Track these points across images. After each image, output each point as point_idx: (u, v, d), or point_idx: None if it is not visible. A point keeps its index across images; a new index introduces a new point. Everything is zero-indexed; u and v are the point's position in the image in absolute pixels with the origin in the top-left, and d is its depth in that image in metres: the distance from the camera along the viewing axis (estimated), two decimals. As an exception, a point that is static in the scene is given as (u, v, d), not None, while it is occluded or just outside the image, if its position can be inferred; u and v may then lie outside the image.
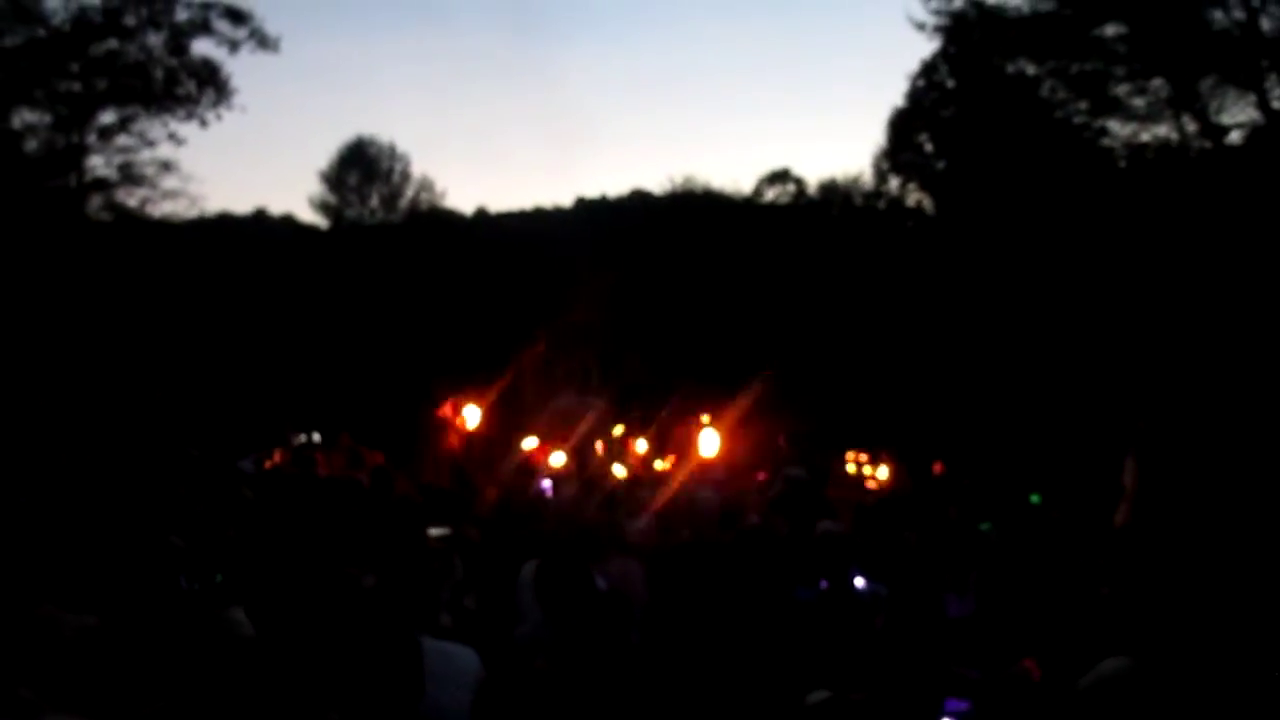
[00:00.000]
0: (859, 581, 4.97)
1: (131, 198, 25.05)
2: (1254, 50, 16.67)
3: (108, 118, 23.98)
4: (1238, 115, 17.84)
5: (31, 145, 23.52)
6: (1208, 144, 17.92)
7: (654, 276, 28.01)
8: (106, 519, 5.71)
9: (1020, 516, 8.99)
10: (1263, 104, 17.32)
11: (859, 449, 19.77)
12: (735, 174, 64.11)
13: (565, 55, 77.13)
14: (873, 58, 79.70)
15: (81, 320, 21.57)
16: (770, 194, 35.56)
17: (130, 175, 24.66)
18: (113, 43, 23.20)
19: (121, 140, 24.24)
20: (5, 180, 22.10)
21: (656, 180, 43.88)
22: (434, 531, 5.32)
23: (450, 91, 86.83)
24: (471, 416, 13.68)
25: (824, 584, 4.85)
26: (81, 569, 4.37)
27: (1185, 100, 17.80)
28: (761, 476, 11.93)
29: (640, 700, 3.52)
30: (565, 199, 41.25)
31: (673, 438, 15.08)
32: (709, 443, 11.58)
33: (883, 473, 16.21)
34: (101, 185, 24.62)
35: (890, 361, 25.00)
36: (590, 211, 38.49)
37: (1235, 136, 17.96)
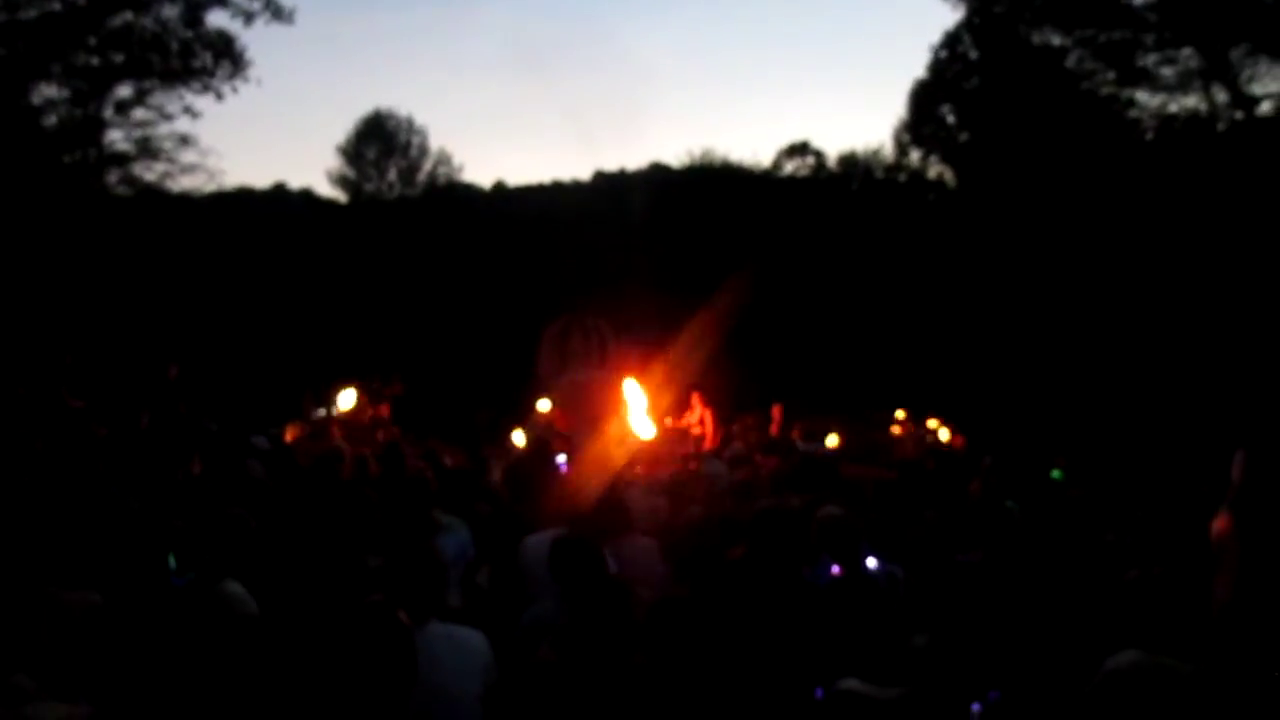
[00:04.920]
0: (871, 562, 4.85)
1: (150, 172, 25.17)
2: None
3: (124, 91, 24.07)
4: (1269, 85, 17.49)
5: (50, 120, 23.59)
6: (1238, 114, 17.58)
7: (672, 250, 27.85)
8: (113, 499, 5.66)
9: (1043, 494, 8.84)
10: (1295, 73, 16.99)
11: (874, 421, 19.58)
12: (754, 147, 63.59)
13: (582, 28, 76.64)
14: (894, 28, 78.90)
15: (101, 295, 21.64)
16: (789, 167, 35.29)
17: (148, 149, 24.77)
18: (128, 15, 23.17)
19: (138, 114, 24.33)
20: (24, 155, 22.13)
21: (675, 154, 43.61)
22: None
23: (467, 64, 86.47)
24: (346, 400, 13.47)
25: (835, 569, 4.73)
26: (84, 549, 4.32)
27: (1216, 70, 17.45)
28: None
29: (654, 685, 3.43)
30: (583, 172, 41.01)
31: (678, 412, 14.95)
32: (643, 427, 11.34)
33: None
34: (119, 160, 24.70)
35: (910, 336, 24.80)
36: (609, 185, 38.27)
37: (1266, 107, 17.62)
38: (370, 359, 17.99)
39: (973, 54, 28.47)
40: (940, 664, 2.85)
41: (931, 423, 16.54)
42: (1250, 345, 15.30)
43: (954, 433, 16.15)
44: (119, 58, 23.59)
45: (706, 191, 31.84)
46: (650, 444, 10.53)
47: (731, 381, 17.03)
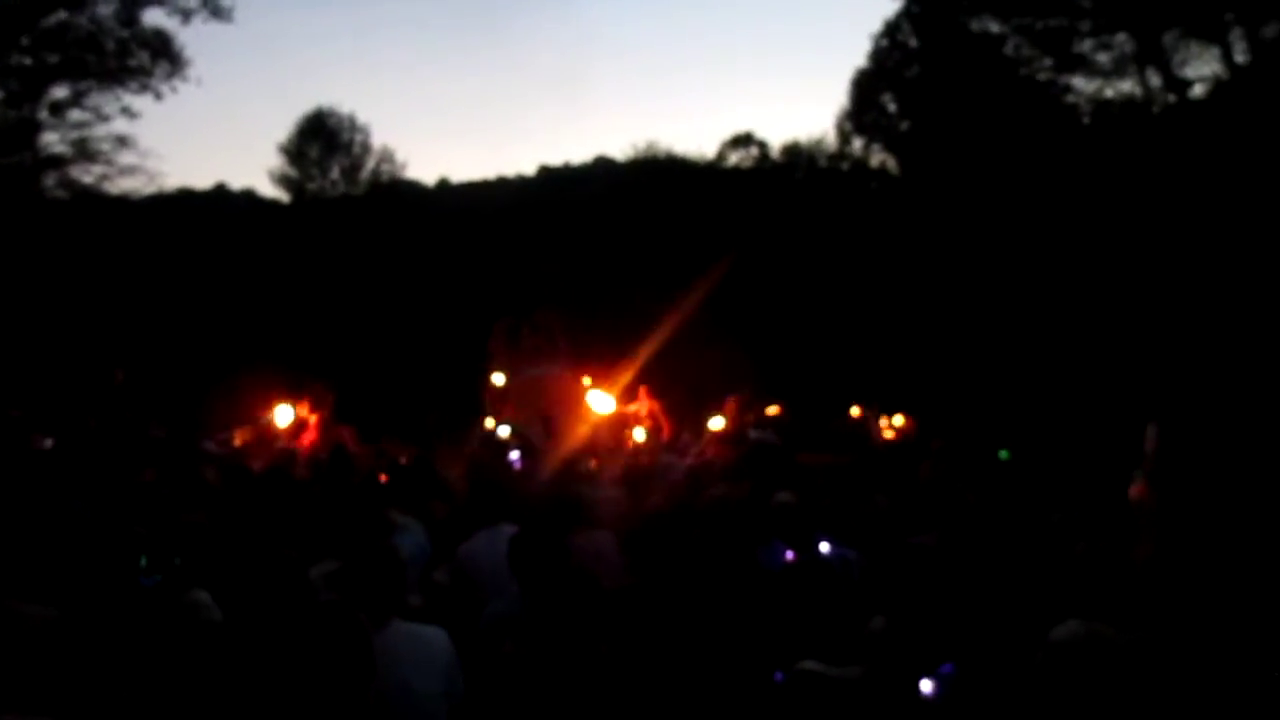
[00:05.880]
0: (824, 547, 4.94)
1: (87, 174, 24.70)
2: (1217, 2, 16.66)
3: (60, 92, 23.57)
4: (1201, 69, 17.84)
5: (-18, 123, 23.10)
6: (1172, 98, 17.93)
7: (619, 243, 27.87)
8: (68, 507, 5.60)
9: (991, 474, 9.00)
10: (1226, 57, 17.34)
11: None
12: (698, 139, 63.81)
13: (524, 22, 76.41)
14: (835, 18, 79.53)
15: (39, 301, 21.26)
16: (734, 158, 35.44)
17: (85, 151, 24.31)
18: (62, 14, 22.71)
19: (75, 115, 23.86)
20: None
21: (620, 147, 43.70)
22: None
23: (409, 61, 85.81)
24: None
25: (790, 554, 4.82)
26: (41, 560, 4.28)
27: (1149, 55, 17.78)
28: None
29: (616, 675, 3.48)
30: (528, 168, 40.93)
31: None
32: (601, 402, 11.50)
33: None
34: (56, 162, 24.22)
35: (856, 323, 25.04)
36: (553, 180, 38.23)
37: (1199, 90, 17.98)
38: (317, 360, 17.91)
39: (912, 43, 28.78)
40: (896, 643, 2.93)
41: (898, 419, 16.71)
42: (1180, 322, 15.64)
43: (904, 418, 16.33)
44: (53, 58, 23.13)
45: (651, 184, 31.90)
46: (591, 432, 10.58)
47: (683, 373, 17.11)
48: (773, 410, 13.85)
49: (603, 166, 36.85)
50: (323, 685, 2.63)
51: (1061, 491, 7.50)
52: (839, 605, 4.29)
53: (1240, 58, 17.16)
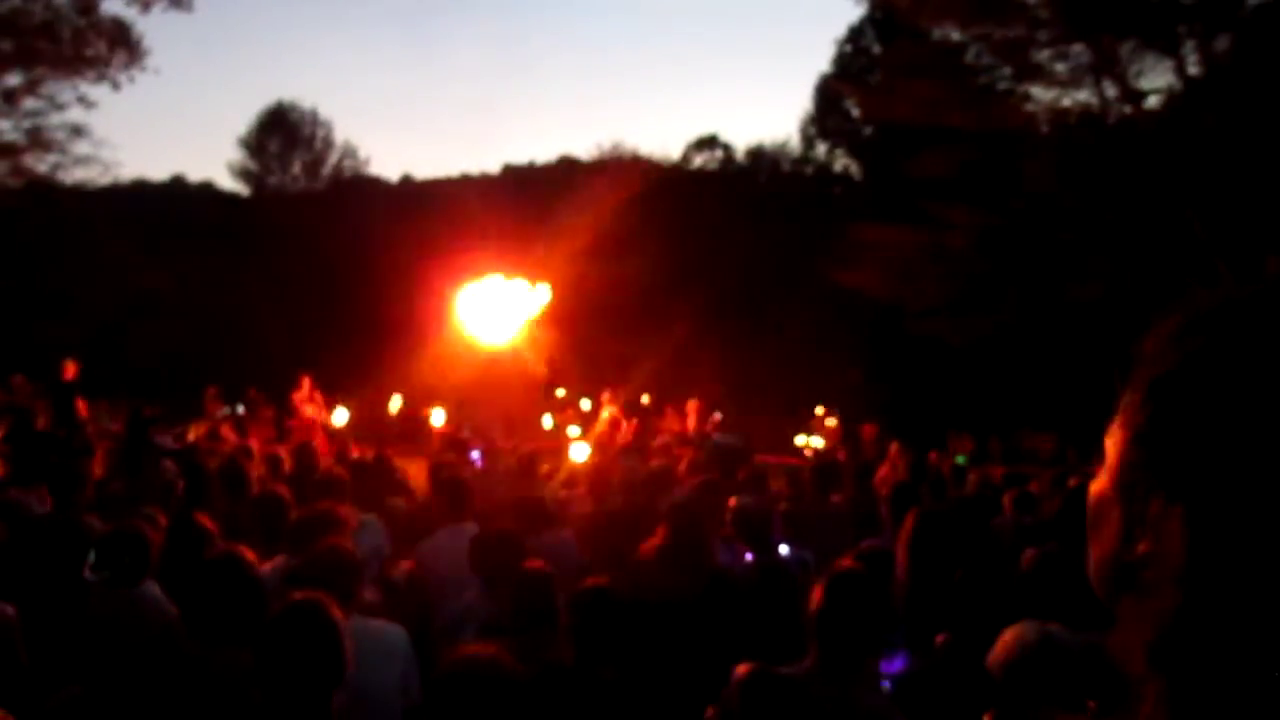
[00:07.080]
0: (783, 549, 4.98)
1: (41, 163, 24.24)
2: (1171, 15, 16.92)
3: (13, 80, 23.10)
4: (1155, 80, 18.05)
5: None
6: (1128, 109, 18.15)
7: (582, 244, 27.83)
8: (16, 503, 5.52)
9: (948, 478, 9.11)
10: (1180, 69, 17.60)
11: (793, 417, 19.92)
12: (663, 140, 64.02)
13: (492, 20, 76.17)
14: (800, 23, 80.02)
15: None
16: (698, 160, 35.58)
17: (39, 140, 23.83)
18: (16, 1, 22.30)
19: (29, 103, 23.38)
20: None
21: (584, 146, 43.68)
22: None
23: (373, 56, 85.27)
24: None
25: (749, 556, 4.85)
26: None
27: (1105, 65, 17.99)
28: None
29: (574, 675, 3.49)
30: (492, 165, 40.77)
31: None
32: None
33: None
34: (9, 150, 23.75)
35: (820, 327, 25.19)
36: (517, 178, 38.11)
37: (1154, 101, 18.20)
38: (275, 356, 17.79)
39: (875, 48, 28.98)
40: (851, 642, 2.96)
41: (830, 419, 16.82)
42: (1132, 330, 15.82)
43: (864, 422, 16.47)
44: (7, 45, 22.69)
45: (616, 184, 31.88)
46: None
47: (649, 377, 17.16)
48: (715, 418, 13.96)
49: (567, 165, 36.80)
50: (294, 682, 2.61)
51: (1016, 493, 7.59)
52: (796, 606, 4.33)
53: (1193, 70, 17.43)
